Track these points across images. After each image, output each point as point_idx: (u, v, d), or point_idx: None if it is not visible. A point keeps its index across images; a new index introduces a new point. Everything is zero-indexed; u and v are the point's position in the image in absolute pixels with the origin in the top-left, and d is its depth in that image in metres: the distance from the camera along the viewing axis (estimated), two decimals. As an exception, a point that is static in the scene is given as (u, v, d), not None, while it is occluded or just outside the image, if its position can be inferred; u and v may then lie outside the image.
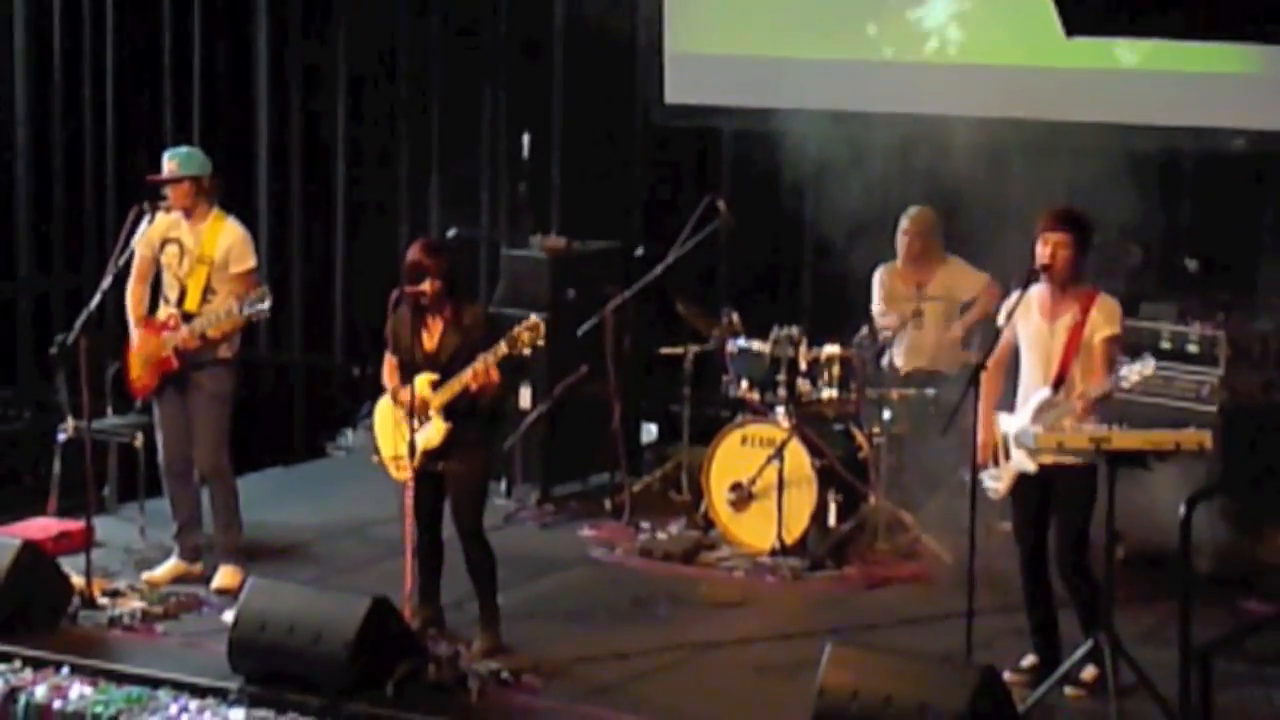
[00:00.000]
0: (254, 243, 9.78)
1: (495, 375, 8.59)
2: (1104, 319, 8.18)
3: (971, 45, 11.39)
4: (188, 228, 9.63)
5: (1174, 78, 10.77)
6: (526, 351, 8.58)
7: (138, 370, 9.70)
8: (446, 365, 8.70)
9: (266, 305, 9.40)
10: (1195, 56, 10.41)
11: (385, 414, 8.95)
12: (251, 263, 9.68)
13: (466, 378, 8.59)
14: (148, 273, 9.76)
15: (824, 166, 11.11)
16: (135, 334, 9.73)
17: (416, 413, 8.60)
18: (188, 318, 9.53)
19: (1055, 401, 8.14)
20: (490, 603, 8.88)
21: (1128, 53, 10.83)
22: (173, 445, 9.75)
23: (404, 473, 8.74)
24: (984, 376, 8.16)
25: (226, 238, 9.62)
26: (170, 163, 9.67)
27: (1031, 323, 8.27)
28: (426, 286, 8.69)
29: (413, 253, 8.81)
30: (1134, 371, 7.96)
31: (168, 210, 9.64)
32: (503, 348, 8.53)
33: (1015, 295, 8.28)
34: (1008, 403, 8.35)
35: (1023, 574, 8.37)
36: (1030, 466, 8.18)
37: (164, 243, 9.65)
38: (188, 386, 9.62)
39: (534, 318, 8.57)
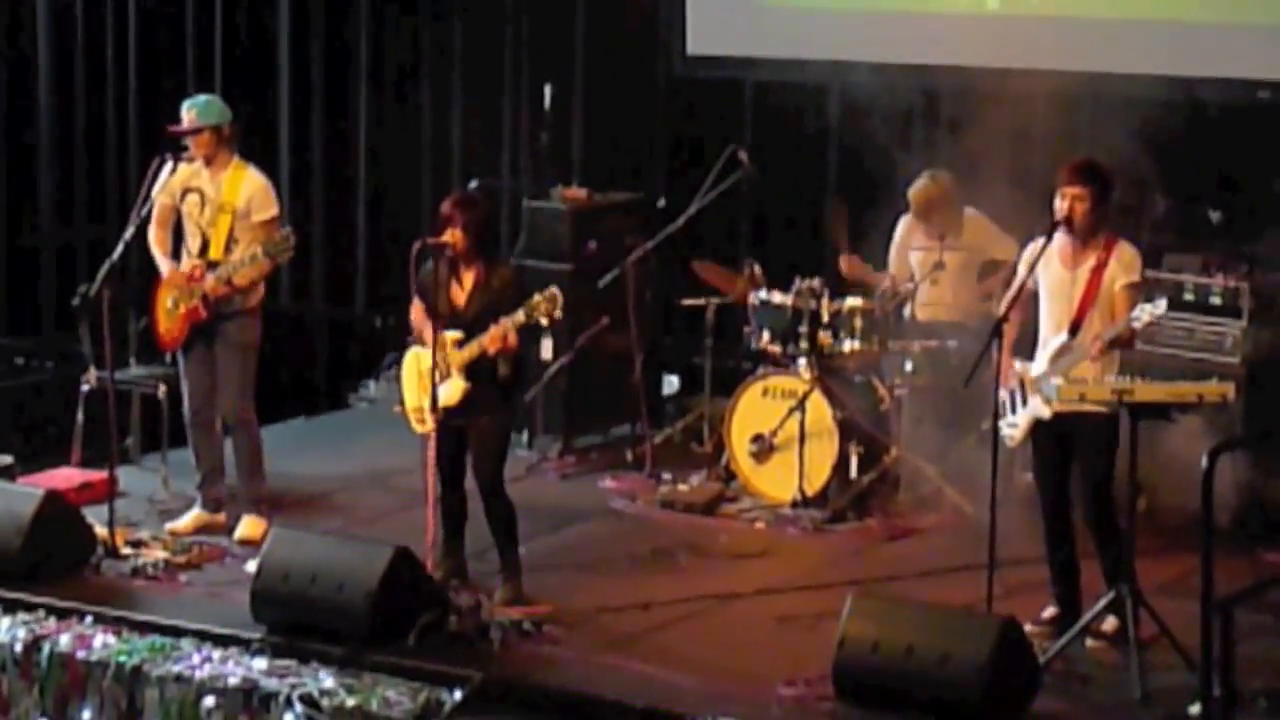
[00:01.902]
0: (275, 191, 9.79)
1: (513, 341, 8.61)
2: (1123, 267, 8.17)
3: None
4: (208, 176, 9.62)
5: (1198, 28, 10.71)
6: (544, 321, 8.60)
7: (166, 323, 9.71)
8: (472, 323, 8.70)
9: (291, 244, 9.42)
10: (1221, 7, 10.35)
11: (411, 366, 8.95)
12: (274, 211, 9.68)
13: (485, 341, 8.60)
14: (168, 219, 9.75)
15: (846, 117, 11.06)
16: (164, 265, 9.71)
17: (438, 368, 8.62)
18: (212, 266, 9.54)
19: (1070, 346, 8.14)
20: (511, 554, 8.90)
21: (1152, 3, 10.77)
22: (198, 395, 9.77)
23: (424, 426, 8.76)
24: (1005, 327, 8.16)
25: (249, 186, 9.62)
26: (189, 113, 9.64)
27: (1052, 271, 8.26)
28: (449, 237, 8.69)
29: (443, 204, 8.82)
30: (1145, 311, 7.95)
31: (190, 160, 9.64)
32: (520, 316, 8.54)
33: (1038, 243, 8.25)
34: (1026, 351, 8.34)
35: (1045, 522, 8.38)
36: (1045, 413, 8.18)
37: (185, 192, 9.64)
38: (215, 337, 9.64)
39: (553, 289, 8.57)
